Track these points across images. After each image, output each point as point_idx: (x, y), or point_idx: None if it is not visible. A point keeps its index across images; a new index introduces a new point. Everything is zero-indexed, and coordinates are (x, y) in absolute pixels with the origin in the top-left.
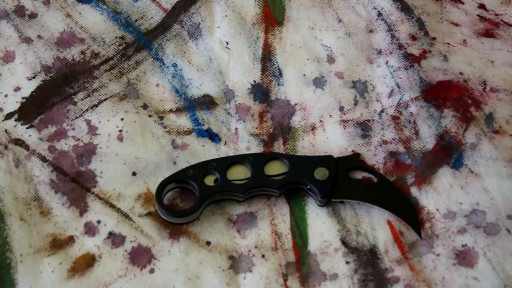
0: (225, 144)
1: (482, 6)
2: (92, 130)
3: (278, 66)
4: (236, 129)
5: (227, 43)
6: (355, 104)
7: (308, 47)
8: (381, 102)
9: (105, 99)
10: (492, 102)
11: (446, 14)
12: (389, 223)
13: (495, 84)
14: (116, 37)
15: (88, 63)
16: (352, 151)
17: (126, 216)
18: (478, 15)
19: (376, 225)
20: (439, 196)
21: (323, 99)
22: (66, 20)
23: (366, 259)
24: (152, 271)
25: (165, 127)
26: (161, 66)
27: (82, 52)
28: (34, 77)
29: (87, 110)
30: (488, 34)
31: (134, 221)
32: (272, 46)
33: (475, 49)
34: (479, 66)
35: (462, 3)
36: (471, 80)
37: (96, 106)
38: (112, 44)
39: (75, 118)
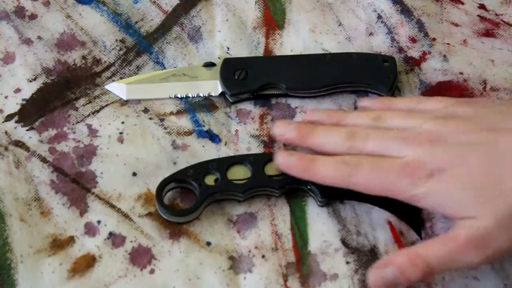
0: (225, 144)
1: (482, 7)
2: (93, 132)
3: None
4: (236, 130)
5: (228, 48)
6: (356, 107)
7: (309, 52)
8: None
9: (106, 105)
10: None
11: (446, 14)
12: (389, 223)
13: (496, 83)
14: (117, 40)
15: (90, 69)
16: None
17: (126, 216)
18: (478, 15)
19: (376, 225)
20: None
21: (324, 103)
22: (66, 21)
23: (367, 259)
24: (152, 271)
25: (165, 128)
26: (161, 70)
27: (84, 57)
28: (34, 79)
29: (88, 115)
30: (488, 33)
31: (134, 221)
32: (273, 52)
33: (475, 49)
34: (479, 66)
35: (462, 3)
36: (471, 80)
37: (98, 111)
38: (113, 48)
39: (76, 123)
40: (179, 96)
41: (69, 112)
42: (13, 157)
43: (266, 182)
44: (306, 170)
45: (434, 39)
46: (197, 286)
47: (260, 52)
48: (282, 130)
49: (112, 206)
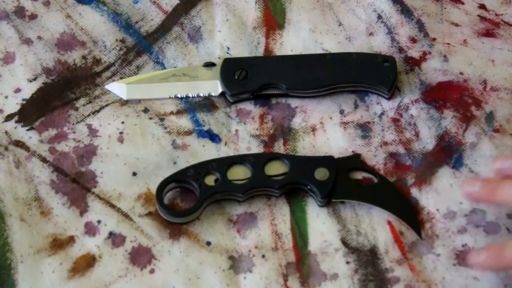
0: (225, 144)
1: (482, 6)
2: (93, 132)
3: None
4: (236, 130)
5: (228, 48)
6: (356, 107)
7: (309, 52)
8: (381, 105)
9: (106, 105)
10: (493, 101)
11: (446, 14)
12: (389, 223)
13: (496, 83)
14: (117, 40)
15: (90, 69)
16: (352, 151)
17: (126, 216)
18: (478, 15)
19: (376, 225)
20: (439, 196)
21: (324, 103)
22: (66, 21)
23: (367, 259)
24: (152, 271)
25: (165, 128)
26: (162, 70)
27: (84, 57)
28: (34, 79)
29: (88, 115)
30: (488, 33)
31: (134, 221)
32: (273, 52)
33: (475, 49)
34: (479, 66)
35: (462, 3)
36: (471, 80)
37: (98, 111)
38: (113, 48)
39: (76, 123)
40: (179, 96)
41: (69, 112)
42: (13, 157)
43: (266, 182)
44: (490, 196)
45: (434, 39)
46: (197, 286)
47: (260, 52)
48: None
49: (112, 206)
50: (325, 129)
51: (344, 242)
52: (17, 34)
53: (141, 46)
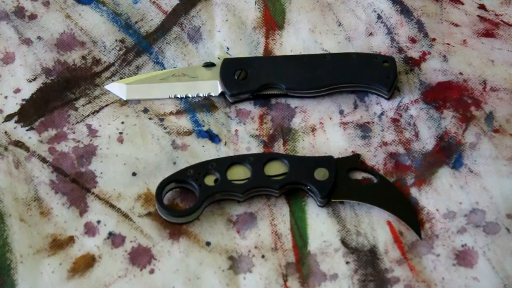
0: (225, 144)
1: (482, 7)
2: (93, 132)
3: None
4: (236, 130)
5: (227, 48)
6: (355, 108)
7: (309, 52)
8: (381, 105)
9: (106, 105)
10: (493, 101)
11: (446, 14)
12: (389, 223)
13: (495, 83)
14: (116, 40)
15: (90, 69)
16: (352, 152)
17: (126, 216)
18: (478, 16)
19: (376, 225)
20: (438, 196)
21: (323, 103)
22: (66, 21)
23: (366, 259)
24: (152, 271)
25: (165, 128)
26: (161, 70)
27: (83, 57)
28: (34, 79)
29: (88, 115)
30: (488, 34)
31: (134, 221)
32: (273, 52)
33: (475, 49)
34: (479, 66)
35: (462, 3)
36: (471, 80)
37: (97, 112)
38: (113, 49)
39: (76, 123)
40: (179, 96)
41: (69, 112)
42: (13, 157)
43: (265, 182)
44: None
45: (434, 39)
46: (197, 286)
47: (260, 52)
48: None
49: (112, 206)
50: (325, 129)
51: (344, 242)
52: (16, 34)
53: (140, 46)
